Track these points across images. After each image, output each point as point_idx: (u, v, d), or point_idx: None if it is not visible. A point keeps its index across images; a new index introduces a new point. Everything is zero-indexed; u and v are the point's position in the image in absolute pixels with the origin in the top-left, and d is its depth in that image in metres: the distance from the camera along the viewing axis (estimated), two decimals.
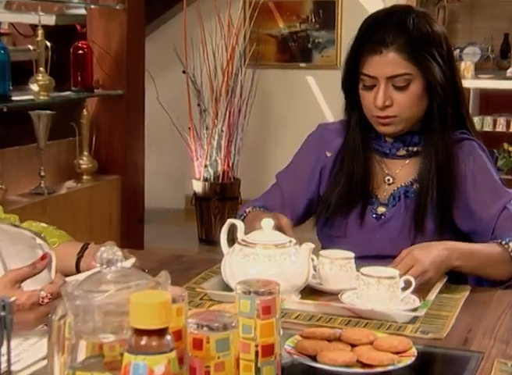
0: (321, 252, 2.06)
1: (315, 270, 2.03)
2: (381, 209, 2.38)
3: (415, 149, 2.36)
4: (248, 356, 1.36)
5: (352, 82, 2.32)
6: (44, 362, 1.45)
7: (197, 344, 1.20)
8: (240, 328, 1.33)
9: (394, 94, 2.23)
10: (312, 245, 1.90)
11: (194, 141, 5.55)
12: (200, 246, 5.60)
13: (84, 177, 4.66)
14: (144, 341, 0.92)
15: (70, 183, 4.56)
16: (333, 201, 2.34)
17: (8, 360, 1.21)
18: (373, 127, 2.34)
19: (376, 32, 2.27)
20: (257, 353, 1.36)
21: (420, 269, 1.97)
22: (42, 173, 4.14)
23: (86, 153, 4.72)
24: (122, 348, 1.15)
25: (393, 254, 2.04)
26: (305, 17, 5.84)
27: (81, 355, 1.13)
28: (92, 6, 4.80)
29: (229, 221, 2.00)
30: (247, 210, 2.40)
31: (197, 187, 5.55)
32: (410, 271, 1.96)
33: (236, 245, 1.91)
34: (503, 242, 2.09)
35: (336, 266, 2.02)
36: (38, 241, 1.76)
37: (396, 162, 2.38)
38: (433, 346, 1.69)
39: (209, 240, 5.64)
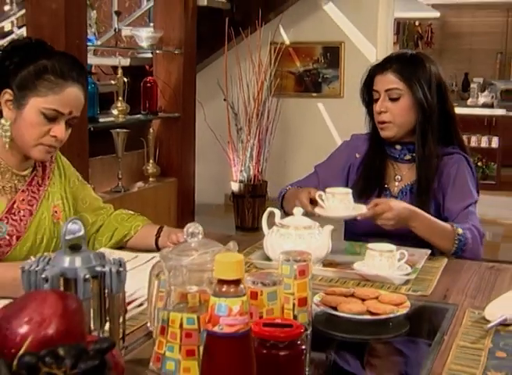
0: (327, 189, 2.07)
1: (322, 200, 2.06)
2: None
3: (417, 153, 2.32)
4: (288, 306, 1.38)
5: (368, 102, 2.36)
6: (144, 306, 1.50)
7: (253, 295, 1.23)
8: (282, 285, 1.37)
9: (389, 104, 2.26)
10: (332, 227, 1.89)
11: (232, 152, 5.48)
12: (236, 232, 5.56)
13: (150, 179, 4.64)
14: (225, 288, 0.95)
15: (140, 184, 4.54)
16: (357, 189, 2.27)
17: (124, 305, 1.25)
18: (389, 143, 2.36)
19: (383, 61, 2.33)
20: (294, 304, 1.41)
21: (388, 216, 2.00)
22: (120, 176, 4.16)
23: (151, 161, 4.71)
24: (201, 296, 1.21)
25: (397, 233, 2.04)
26: (316, 59, 5.75)
27: (172, 302, 1.19)
28: (157, 51, 4.77)
29: (269, 209, 1.99)
30: (288, 188, 2.42)
31: (235, 187, 5.50)
32: (383, 215, 2.00)
33: (274, 227, 1.91)
34: (454, 226, 2.07)
35: (337, 199, 2.03)
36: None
37: (404, 165, 2.36)
38: (421, 300, 1.69)
39: (243, 227, 5.60)
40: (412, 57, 2.32)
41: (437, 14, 9.40)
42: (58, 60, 1.81)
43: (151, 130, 4.74)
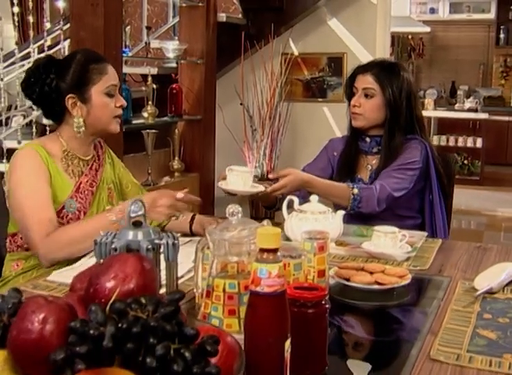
0: (230, 166, 2.09)
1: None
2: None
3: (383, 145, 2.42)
4: (309, 277, 1.46)
5: (349, 95, 2.48)
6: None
7: (283, 266, 1.32)
8: (306, 259, 1.45)
9: (363, 100, 2.40)
10: (343, 212, 1.94)
11: (248, 150, 5.40)
12: None
13: (176, 174, 4.66)
14: (265, 255, 1.01)
15: (167, 178, 4.56)
16: (336, 179, 2.41)
17: (176, 272, 1.33)
18: (361, 136, 2.47)
19: (366, 64, 2.47)
20: (314, 276, 1.48)
21: (282, 183, 2.12)
22: (149, 171, 4.20)
23: (177, 158, 4.75)
24: (239, 266, 1.29)
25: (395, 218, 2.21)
26: (322, 68, 5.72)
27: (216, 270, 1.27)
28: (182, 61, 4.83)
29: (288, 197, 2.03)
30: None
31: None
32: (281, 181, 2.12)
33: (293, 212, 1.96)
34: (351, 186, 2.21)
35: (234, 175, 2.04)
36: None
37: (373, 156, 2.47)
38: (420, 274, 1.75)
39: (257, 217, 5.58)
40: (391, 65, 2.46)
41: (428, 29, 9.42)
42: (86, 54, 2.01)
43: (177, 130, 4.78)
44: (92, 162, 2.09)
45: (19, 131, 5.03)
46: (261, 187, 2.09)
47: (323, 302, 1.16)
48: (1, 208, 2.24)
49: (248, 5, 5.44)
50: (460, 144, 8.32)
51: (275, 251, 1.03)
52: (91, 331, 0.75)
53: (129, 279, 0.84)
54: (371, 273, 1.64)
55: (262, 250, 1.02)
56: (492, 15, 9.43)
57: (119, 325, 0.76)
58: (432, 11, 9.59)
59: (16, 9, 6.78)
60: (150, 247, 1.16)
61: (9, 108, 7.48)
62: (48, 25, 5.74)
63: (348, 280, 1.60)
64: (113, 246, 1.13)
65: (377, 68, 2.42)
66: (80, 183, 2.02)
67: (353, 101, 2.44)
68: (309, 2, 5.44)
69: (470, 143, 8.29)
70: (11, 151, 4.59)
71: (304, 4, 5.45)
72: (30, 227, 1.83)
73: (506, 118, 8.96)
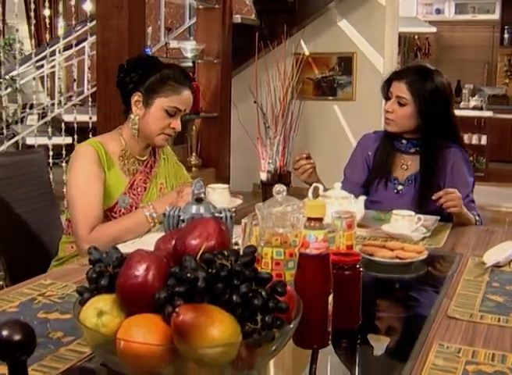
0: (209, 185, 2.15)
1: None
2: (399, 187, 2.52)
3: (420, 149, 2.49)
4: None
5: (386, 97, 2.51)
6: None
7: None
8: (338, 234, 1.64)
9: (396, 106, 2.44)
10: (364, 197, 2.12)
11: (261, 146, 5.58)
12: None
13: (193, 169, 4.87)
14: (312, 223, 1.18)
15: None
16: (369, 179, 2.54)
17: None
18: (397, 136, 2.52)
19: (402, 70, 2.53)
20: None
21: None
22: None
23: (194, 154, 4.96)
24: (281, 238, 1.48)
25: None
26: (332, 67, 5.82)
27: (264, 240, 1.47)
28: (199, 61, 5.05)
29: (314, 185, 2.16)
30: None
31: (263, 176, 5.60)
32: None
33: (319, 198, 2.05)
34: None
35: (216, 193, 2.14)
36: None
37: (410, 156, 2.52)
38: (435, 251, 1.93)
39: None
40: (426, 72, 2.47)
41: (434, 29, 9.62)
42: (176, 70, 2.15)
43: (194, 127, 5.00)
44: (148, 160, 2.26)
45: (36, 129, 5.21)
46: (238, 201, 2.23)
47: (357, 266, 1.36)
48: (49, 197, 2.47)
49: (262, 6, 5.62)
50: (466, 141, 8.26)
51: (320, 220, 1.22)
52: (188, 275, 0.96)
53: (211, 237, 1.05)
54: (392, 249, 1.84)
55: (310, 219, 1.22)
56: (496, 15, 9.64)
57: (210, 270, 0.97)
58: (438, 11, 9.80)
59: (31, 13, 6.99)
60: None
61: (24, 106, 7.71)
62: (61, 25, 5.94)
63: (372, 255, 1.79)
64: (181, 218, 1.34)
65: (411, 76, 2.44)
66: (134, 180, 2.20)
67: (386, 107, 2.47)
68: (320, 4, 5.63)
69: (475, 140, 8.46)
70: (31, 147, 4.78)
71: (316, 6, 5.62)
72: (77, 223, 2.04)
73: (510, 116, 9.16)
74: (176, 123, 2.15)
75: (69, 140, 4.99)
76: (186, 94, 2.14)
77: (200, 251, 1.01)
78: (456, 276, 1.70)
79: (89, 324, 1.01)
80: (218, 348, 0.94)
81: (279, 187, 1.44)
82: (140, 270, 1.00)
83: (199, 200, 1.40)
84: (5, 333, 0.79)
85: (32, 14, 7.58)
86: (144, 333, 0.96)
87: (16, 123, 6.86)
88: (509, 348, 1.26)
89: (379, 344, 1.40)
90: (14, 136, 6.29)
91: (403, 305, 1.61)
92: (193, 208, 1.39)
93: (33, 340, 0.81)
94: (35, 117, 7.22)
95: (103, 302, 1.03)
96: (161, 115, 2.11)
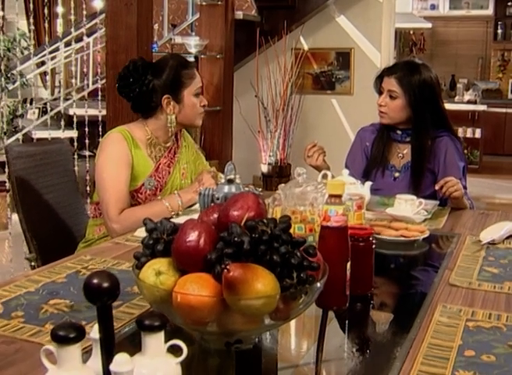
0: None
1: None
2: (396, 174, 2.69)
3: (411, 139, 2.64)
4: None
5: (379, 92, 2.68)
6: None
7: None
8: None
9: (388, 100, 2.63)
10: (371, 183, 2.28)
11: (262, 139, 5.69)
12: None
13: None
14: (333, 199, 1.37)
15: None
16: (368, 167, 2.71)
17: None
18: (392, 127, 2.68)
19: (392, 66, 2.70)
20: None
21: None
22: None
23: (198, 146, 5.13)
24: (300, 216, 1.67)
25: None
26: (330, 62, 5.84)
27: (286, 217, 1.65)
28: (202, 56, 5.19)
29: (323, 172, 2.28)
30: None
31: (264, 169, 5.70)
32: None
33: None
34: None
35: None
36: None
37: (405, 145, 2.69)
38: (435, 231, 2.11)
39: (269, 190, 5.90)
40: (414, 67, 2.63)
41: (429, 25, 9.82)
42: (177, 59, 2.35)
43: None
44: (171, 147, 2.45)
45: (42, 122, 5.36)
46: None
47: (370, 239, 1.56)
48: (74, 184, 2.65)
49: (262, 3, 5.77)
50: (460, 134, 8.68)
51: (340, 196, 1.42)
52: (235, 238, 1.15)
53: (251, 209, 1.24)
54: (397, 229, 2.02)
55: (331, 195, 1.41)
56: (490, 11, 9.87)
57: (253, 235, 1.16)
58: (433, 7, 10.01)
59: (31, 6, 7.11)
60: None
61: (24, 101, 7.87)
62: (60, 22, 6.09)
63: (378, 234, 1.96)
64: (216, 196, 1.53)
65: (401, 71, 2.60)
66: (160, 164, 2.38)
67: (379, 101, 2.64)
68: (319, 1, 5.77)
69: (469, 133, 8.66)
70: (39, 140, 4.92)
71: (315, 2, 5.76)
72: (108, 205, 2.22)
73: (504, 110, 9.40)
74: (203, 99, 2.41)
75: (70, 133, 5.10)
76: (196, 72, 2.39)
77: (244, 220, 1.20)
78: (455, 252, 1.89)
79: (148, 282, 1.20)
80: (261, 300, 1.13)
81: (299, 170, 1.63)
82: (193, 236, 1.19)
83: (230, 181, 1.59)
84: (95, 281, 0.97)
85: (31, 11, 7.71)
86: (197, 288, 1.15)
87: (18, 116, 7.01)
88: (503, 309, 1.45)
89: (389, 308, 1.59)
90: (15, 129, 6.46)
91: (409, 276, 1.80)
92: (226, 188, 1.58)
93: (118, 287, 0.99)
94: (36, 112, 7.41)
95: (160, 264, 1.21)
96: (193, 101, 2.36)
